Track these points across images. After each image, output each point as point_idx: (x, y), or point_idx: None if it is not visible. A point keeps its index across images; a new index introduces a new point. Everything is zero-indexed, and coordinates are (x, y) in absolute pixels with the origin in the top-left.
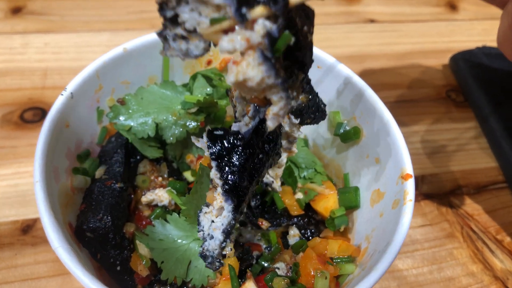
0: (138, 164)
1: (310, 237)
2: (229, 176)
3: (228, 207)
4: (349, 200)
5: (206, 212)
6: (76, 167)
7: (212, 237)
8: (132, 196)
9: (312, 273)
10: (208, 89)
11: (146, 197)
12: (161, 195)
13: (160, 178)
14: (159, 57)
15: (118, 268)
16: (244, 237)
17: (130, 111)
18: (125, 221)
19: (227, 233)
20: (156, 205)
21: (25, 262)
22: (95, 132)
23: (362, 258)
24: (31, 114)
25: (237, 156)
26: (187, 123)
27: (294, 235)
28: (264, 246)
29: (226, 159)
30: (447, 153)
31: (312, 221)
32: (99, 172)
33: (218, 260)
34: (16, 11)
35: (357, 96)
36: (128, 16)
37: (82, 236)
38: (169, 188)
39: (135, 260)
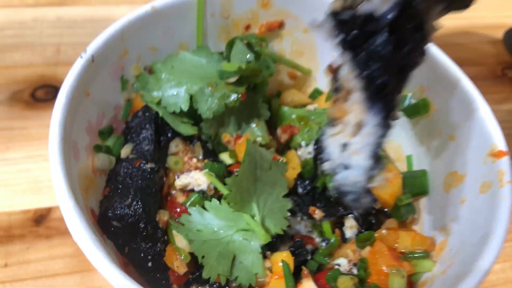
0: (169, 143)
1: (371, 229)
2: (375, 72)
3: (373, 118)
4: (416, 186)
5: (333, 134)
6: (98, 144)
7: (348, 167)
8: (165, 179)
9: (385, 270)
10: (249, 56)
11: (181, 181)
12: (198, 179)
13: (194, 160)
14: (191, 21)
15: (150, 264)
16: (293, 228)
17: (160, 81)
18: (157, 208)
19: (375, 157)
20: (192, 190)
21: (39, 257)
22: (118, 105)
23: (441, 253)
24: (43, 93)
25: (382, 43)
26: (226, 95)
27: (351, 226)
28: (317, 238)
29: (365, 47)
30: None
31: (372, 211)
32: (125, 151)
33: (365, 195)
34: None
35: (424, 63)
36: None
37: (106, 226)
38: (207, 170)
39: (171, 255)
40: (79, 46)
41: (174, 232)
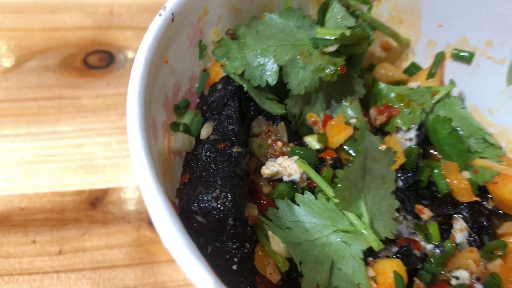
0: (251, 122)
1: (481, 233)
2: None
3: None
4: None
5: None
6: (175, 122)
7: None
8: (250, 166)
9: None
10: (350, 21)
11: (269, 169)
12: (288, 167)
13: (279, 143)
14: None
15: (235, 267)
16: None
17: (244, 48)
18: (245, 201)
19: None
20: (280, 180)
21: (95, 245)
22: (194, 76)
23: None
24: (97, 59)
25: None
26: (322, 67)
27: (461, 229)
28: (422, 242)
29: None
30: None
31: (484, 211)
32: (205, 131)
33: None
34: None
35: None
36: None
37: (188, 221)
38: (297, 157)
39: (261, 259)
40: (134, 7)
41: (270, 233)
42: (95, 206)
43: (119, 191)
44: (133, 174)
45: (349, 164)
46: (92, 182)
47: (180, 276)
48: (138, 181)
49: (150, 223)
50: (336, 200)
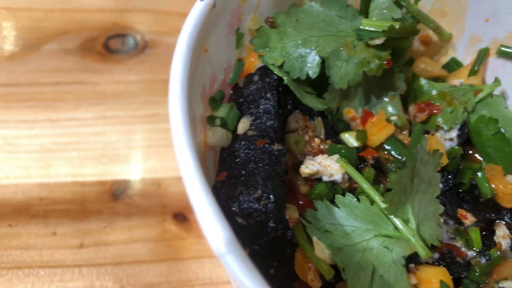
0: (287, 117)
1: None
2: None
3: None
4: None
5: None
6: (212, 115)
7: None
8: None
9: None
10: (397, 13)
11: (308, 168)
12: (329, 166)
13: (317, 140)
14: None
15: (272, 271)
16: None
17: (284, 37)
18: (285, 202)
19: None
20: (319, 179)
21: (118, 239)
22: (229, 66)
23: None
24: (118, 43)
25: None
26: (366, 61)
27: (504, 236)
28: (463, 248)
29: None
30: None
31: None
32: (242, 125)
33: None
34: None
35: None
36: None
37: (227, 221)
38: (338, 156)
39: (302, 264)
40: None
41: (314, 239)
42: (117, 198)
43: (142, 183)
44: (155, 166)
45: (401, 167)
46: (114, 173)
47: (206, 273)
48: (182, 177)
49: (175, 217)
50: (384, 205)
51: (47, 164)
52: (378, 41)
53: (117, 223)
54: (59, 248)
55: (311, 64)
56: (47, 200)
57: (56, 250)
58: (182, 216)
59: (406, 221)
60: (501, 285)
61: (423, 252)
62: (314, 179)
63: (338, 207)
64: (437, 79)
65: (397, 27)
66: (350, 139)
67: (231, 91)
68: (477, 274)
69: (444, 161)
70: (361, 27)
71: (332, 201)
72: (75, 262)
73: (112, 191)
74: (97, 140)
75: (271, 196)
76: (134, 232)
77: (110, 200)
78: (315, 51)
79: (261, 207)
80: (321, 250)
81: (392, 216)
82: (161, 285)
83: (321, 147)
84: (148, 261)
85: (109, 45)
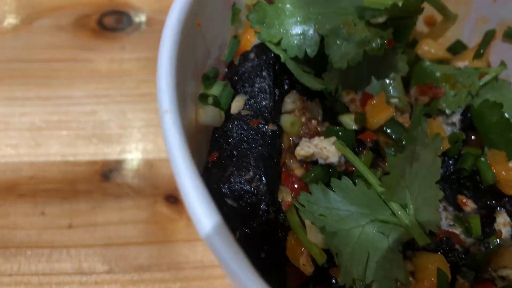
0: (283, 97)
1: None
2: None
3: None
4: None
5: None
6: (204, 93)
7: None
8: (283, 145)
9: None
10: None
11: (304, 150)
12: (325, 149)
13: (314, 122)
14: None
15: (263, 255)
16: None
17: (282, 14)
18: (279, 184)
19: None
20: (314, 162)
21: (108, 220)
22: (224, 43)
23: None
24: (112, 20)
25: None
26: (367, 40)
27: (504, 223)
28: (462, 235)
29: None
30: None
31: None
32: (236, 104)
33: None
34: None
35: None
36: None
37: (217, 204)
38: (335, 138)
39: (294, 248)
40: None
41: (307, 222)
42: (108, 179)
43: (134, 164)
44: (148, 147)
45: (400, 150)
46: (105, 153)
47: (197, 257)
48: (169, 157)
49: (166, 199)
50: (381, 189)
51: (37, 142)
52: (380, 20)
53: (107, 204)
54: (47, 228)
55: (310, 42)
56: (36, 179)
57: (44, 230)
58: (174, 198)
59: (403, 206)
60: (500, 274)
61: (420, 238)
62: (310, 162)
63: (334, 191)
64: (441, 61)
65: (400, 4)
66: (349, 121)
67: (226, 69)
68: (475, 262)
69: (446, 145)
70: (362, 4)
71: (328, 185)
72: (63, 243)
73: (103, 172)
74: (89, 119)
75: (263, 177)
76: (125, 213)
77: (101, 181)
78: (314, 29)
79: (252, 189)
80: (314, 234)
81: (389, 201)
82: (151, 267)
83: (318, 129)
84: (138, 243)
85: (103, 21)
